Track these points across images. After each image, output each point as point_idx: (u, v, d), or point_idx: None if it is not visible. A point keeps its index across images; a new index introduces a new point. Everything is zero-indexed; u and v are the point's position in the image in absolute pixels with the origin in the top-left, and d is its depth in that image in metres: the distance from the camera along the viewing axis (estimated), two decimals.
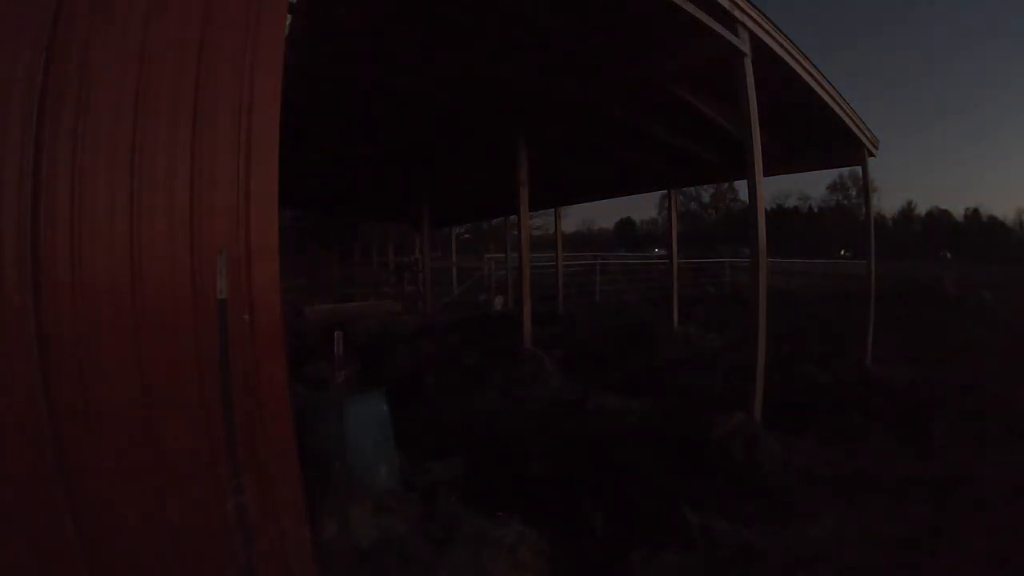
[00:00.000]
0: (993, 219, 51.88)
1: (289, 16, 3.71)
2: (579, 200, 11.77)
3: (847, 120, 5.90)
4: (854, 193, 45.66)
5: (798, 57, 4.71)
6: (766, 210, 4.36)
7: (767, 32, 4.27)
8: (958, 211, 54.66)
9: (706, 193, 50.77)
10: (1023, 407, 4.48)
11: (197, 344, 1.56)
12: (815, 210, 51.51)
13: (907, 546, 2.52)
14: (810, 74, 4.94)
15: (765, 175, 4.40)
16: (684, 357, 7.32)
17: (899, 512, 2.84)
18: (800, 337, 8.18)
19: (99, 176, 1.43)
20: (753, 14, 4.10)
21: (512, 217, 12.72)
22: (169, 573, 1.51)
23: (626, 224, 63.97)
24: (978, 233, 46.88)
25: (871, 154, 6.70)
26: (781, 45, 4.46)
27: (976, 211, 53.48)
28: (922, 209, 55.76)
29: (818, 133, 6.55)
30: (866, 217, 7.50)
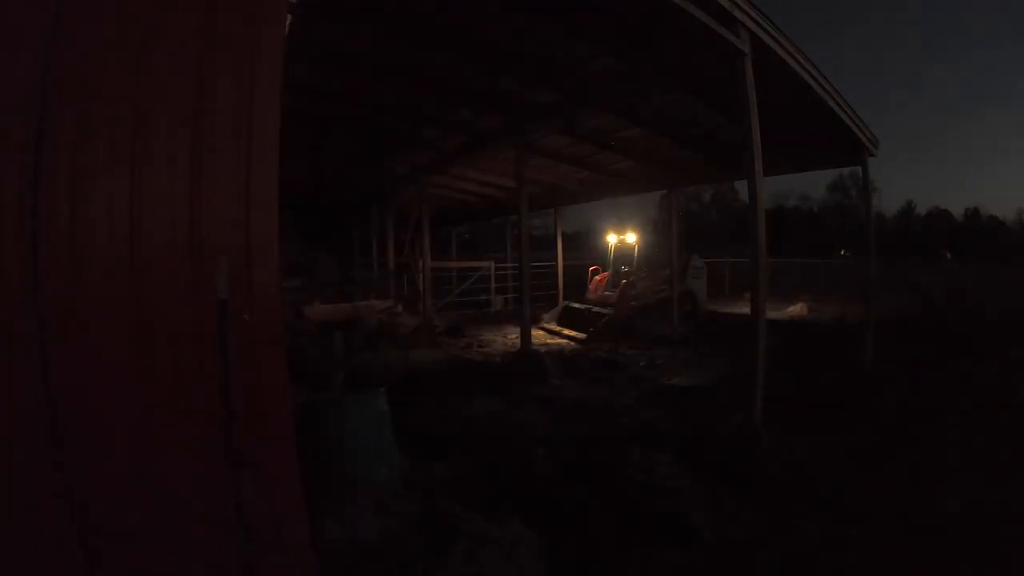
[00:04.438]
0: (993, 219, 51.87)
1: (289, 16, 3.72)
2: (577, 201, 11.80)
3: (847, 120, 5.90)
4: (854, 193, 45.65)
5: (798, 57, 4.71)
6: (766, 210, 4.36)
7: (767, 32, 4.27)
8: (958, 211, 54.67)
9: (706, 193, 50.79)
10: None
11: (197, 344, 1.56)
12: (815, 210, 51.47)
13: None
14: (810, 74, 4.94)
15: (765, 175, 4.39)
16: (684, 357, 7.31)
17: None
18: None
19: (99, 175, 1.43)
20: (753, 14, 4.10)
21: (513, 217, 12.70)
22: (169, 573, 1.51)
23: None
24: (978, 233, 46.80)
25: (871, 154, 6.70)
26: (781, 45, 4.46)
27: (976, 211, 53.50)
28: (922, 209, 55.76)
29: (818, 133, 6.55)
30: (866, 217, 7.50)
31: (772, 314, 8.11)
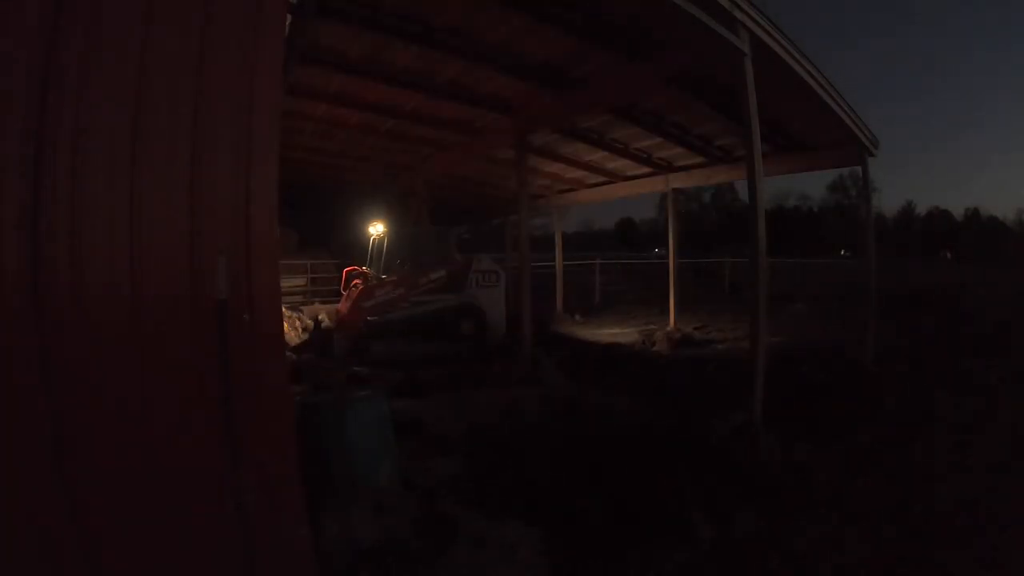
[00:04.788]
0: (993, 219, 51.92)
1: (289, 16, 3.73)
2: (575, 201, 11.80)
3: (847, 120, 5.90)
4: (854, 193, 45.71)
5: (798, 57, 4.71)
6: (766, 210, 4.36)
7: (767, 32, 4.27)
8: (958, 211, 54.74)
9: (706, 193, 50.86)
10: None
11: (197, 344, 1.56)
12: (815, 210, 51.55)
13: None
14: (810, 74, 4.94)
15: (765, 175, 4.40)
16: (684, 356, 7.31)
17: None
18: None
19: (99, 176, 1.43)
20: (753, 14, 4.10)
21: (512, 217, 12.70)
22: (170, 573, 1.51)
23: (626, 224, 64.08)
24: (978, 233, 46.83)
25: (871, 154, 6.70)
26: (781, 45, 4.46)
27: (976, 211, 53.57)
28: (922, 209, 55.82)
29: (818, 133, 6.55)
30: (866, 217, 7.50)
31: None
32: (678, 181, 8.97)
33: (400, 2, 4.25)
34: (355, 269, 8.41)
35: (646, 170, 8.96)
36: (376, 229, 8.62)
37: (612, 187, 10.06)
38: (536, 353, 6.56)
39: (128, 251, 1.46)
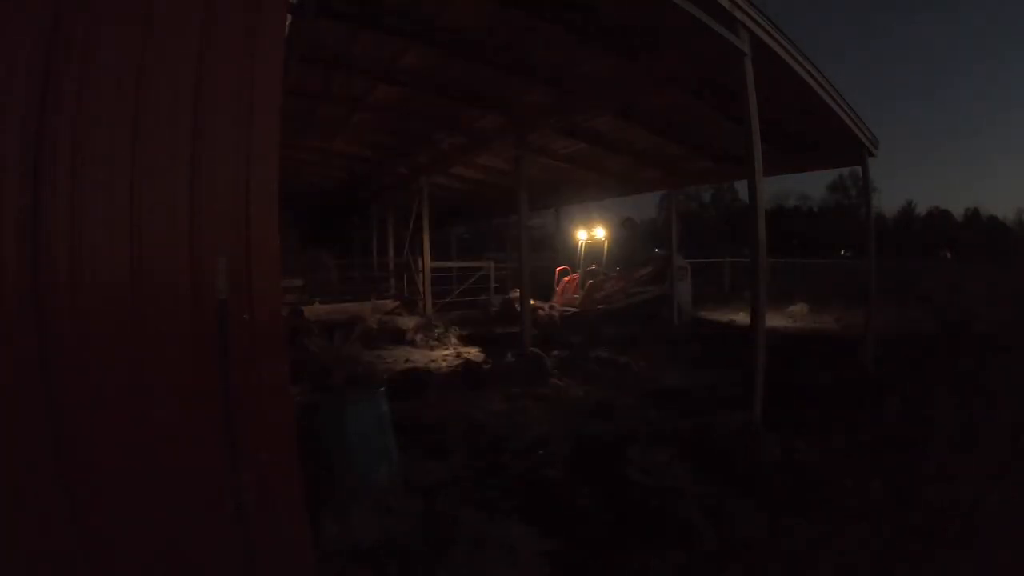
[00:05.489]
0: (993, 219, 51.87)
1: (289, 16, 3.73)
2: (576, 201, 11.81)
3: (847, 120, 5.90)
4: (854, 193, 45.75)
5: (798, 57, 4.71)
6: (766, 210, 4.36)
7: (767, 32, 4.27)
8: (958, 211, 54.69)
9: (706, 193, 50.87)
10: None
11: (197, 344, 1.56)
12: (815, 210, 51.56)
13: None
14: (810, 74, 4.94)
15: (765, 175, 4.39)
16: (684, 356, 7.30)
17: None
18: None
19: (99, 176, 1.43)
20: (753, 14, 4.10)
21: (512, 218, 12.68)
22: (170, 573, 1.51)
23: (626, 224, 64.01)
24: (978, 233, 46.82)
25: (871, 154, 6.70)
26: (781, 45, 4.46)
27: (976, 211, 53.51)
28: (922, 209, 55.77)
29: (818, 133, 6.55)
30: (866, 217, 7.50)
31: (772, 321, 7.56)
32: (679, 181, 8.97)
33: (401, 2, 4.25)
34: (566, 268, 11.03)
35: (647, 170, 8.97)
36: (589, 234, 11.02)
37: (612, 187, 10.06)
38: (536, 352, 6.56)
39: (128, 251, 1.45)
